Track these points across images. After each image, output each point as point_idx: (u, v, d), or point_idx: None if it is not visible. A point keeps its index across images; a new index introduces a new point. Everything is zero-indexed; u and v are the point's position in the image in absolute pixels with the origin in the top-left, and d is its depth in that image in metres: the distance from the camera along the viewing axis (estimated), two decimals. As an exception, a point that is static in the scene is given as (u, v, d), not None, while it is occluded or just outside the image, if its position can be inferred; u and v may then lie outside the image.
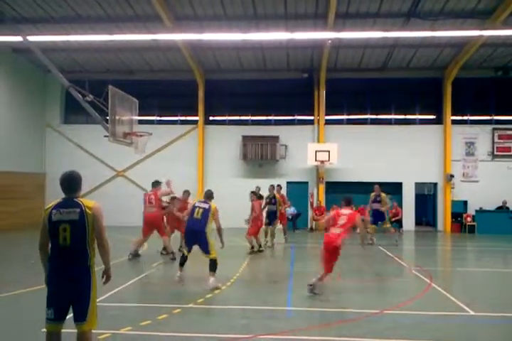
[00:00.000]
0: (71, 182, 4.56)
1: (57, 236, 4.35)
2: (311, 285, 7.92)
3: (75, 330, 4.47)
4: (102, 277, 4.64)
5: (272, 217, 14.25)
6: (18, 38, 14.42)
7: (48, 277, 4.44)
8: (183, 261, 8.87)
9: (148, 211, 11.84)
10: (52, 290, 4.40)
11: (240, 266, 10.74)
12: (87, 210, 4.40)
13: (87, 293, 4.38)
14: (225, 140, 21.22)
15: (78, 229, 4.36)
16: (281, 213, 14.88)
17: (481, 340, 5.77)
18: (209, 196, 9.23)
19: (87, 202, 4.49)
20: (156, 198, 11.87)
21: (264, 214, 14.05)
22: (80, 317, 4.36)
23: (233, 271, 10.13)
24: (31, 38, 14.44)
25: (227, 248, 12.89)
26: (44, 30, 17.26)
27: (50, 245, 4.45)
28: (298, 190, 20.68)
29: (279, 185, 15.34)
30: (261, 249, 13.25)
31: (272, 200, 14.24)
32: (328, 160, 19.57)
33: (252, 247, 12.94)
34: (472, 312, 6.96)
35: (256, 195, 13.19)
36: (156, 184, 12.27)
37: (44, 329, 4.46)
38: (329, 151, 19.58)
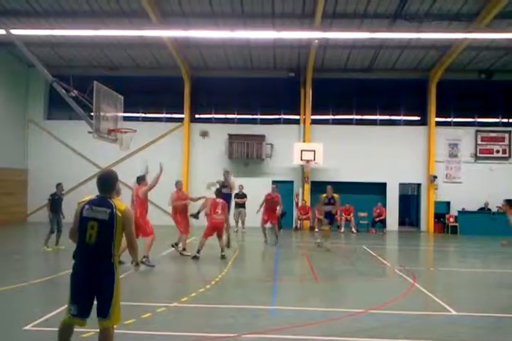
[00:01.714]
0: (106, 182, 4.62)
1: (85, 233, 4.39)
2: None
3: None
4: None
5: (329, 217, 14.04)
6: (1, 31, 14.16)
7: (72, 272, 4.47)
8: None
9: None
10: (76, 286, 4.41)
11: (225, 266, 10.69)
12: (118, 213, 4.42)
13: (111, 289, 4.38)
14: (211, 138, 21.14)
15: (106, 229, 4.38)
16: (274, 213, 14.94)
17: (463, 339, 5.82)
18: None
19: (119, 204, 4.51)
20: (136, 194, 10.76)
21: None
22: (103, 313, 4.37)
23: (218, 270, 10.08)
24: (14, 32, 14.19)
25: (214, 246, 12.88)
26: (28, 24, 16.97)
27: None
28: (283, 189, 20.57)
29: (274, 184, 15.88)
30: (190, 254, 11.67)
31: (330, 200, 13.92)
32: (314, 159, 19.63)
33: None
34: (454, 312, 7.02)
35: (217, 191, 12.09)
36: (139, 179, 11.02)
37: (63, 320, 4.46)
38: (315, 151, 19.64)
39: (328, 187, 14.21)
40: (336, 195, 14.05)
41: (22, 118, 21.40)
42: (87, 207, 4.44)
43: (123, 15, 17.03)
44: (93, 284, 4.36)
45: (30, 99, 21.78)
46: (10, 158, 20.23)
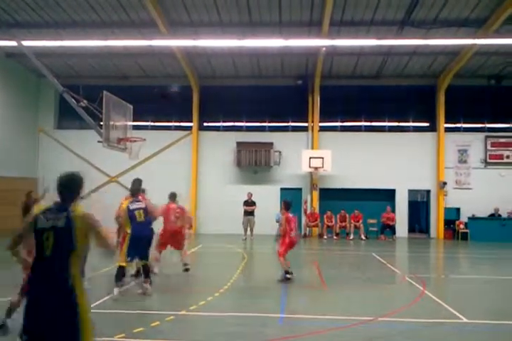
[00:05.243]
0: (68, 186, 4.11)
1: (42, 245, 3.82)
2: None
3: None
4: None
5: None
6: (12, 43, 14.40)
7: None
8: (123, 274, 8.03)
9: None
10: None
11: (233, 274, 10.69)
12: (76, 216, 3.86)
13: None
14: (219, 146, 21.20)
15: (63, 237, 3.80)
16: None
17: (475, 348, 5.77)
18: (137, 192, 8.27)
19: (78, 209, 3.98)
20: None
21: None
22: None
23: (226, 278, 10.07)
24: (25, 43, 14.40)
25: (222, 254, 12.88)
26: (38, 35, 17.20)
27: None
28: (292, 196, 20.64)
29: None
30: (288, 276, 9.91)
31: None
32: (322, 166, 19.60)
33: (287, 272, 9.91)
34: (465, 320, 6.96)
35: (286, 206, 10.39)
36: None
37: None
38: (323, 158, 19.61)
39: None
40: None
41: (33, 127, 21.65)
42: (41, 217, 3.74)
43: (132, 25, 17.21)
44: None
45: (41, 108, 22.03)
46: (21, 168, 20.45)
